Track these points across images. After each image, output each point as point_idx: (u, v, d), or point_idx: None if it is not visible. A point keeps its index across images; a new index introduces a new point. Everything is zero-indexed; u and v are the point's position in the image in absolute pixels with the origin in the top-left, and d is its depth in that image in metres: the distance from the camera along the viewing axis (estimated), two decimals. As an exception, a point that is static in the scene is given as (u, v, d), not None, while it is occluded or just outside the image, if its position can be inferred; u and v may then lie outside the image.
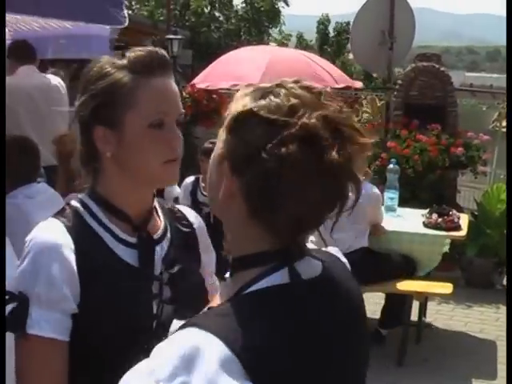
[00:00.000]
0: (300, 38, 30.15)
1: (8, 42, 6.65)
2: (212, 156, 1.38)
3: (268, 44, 14.27)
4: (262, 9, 27.56)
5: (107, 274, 1.72)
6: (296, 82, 1.36)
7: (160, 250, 1.83)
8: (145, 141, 1.73)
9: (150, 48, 1.81)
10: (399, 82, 9.61)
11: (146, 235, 1.81)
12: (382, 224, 6.46)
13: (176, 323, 1.42)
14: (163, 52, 1.82)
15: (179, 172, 1.82)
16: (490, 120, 12.02)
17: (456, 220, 6.72)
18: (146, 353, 1.27)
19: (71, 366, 1.69)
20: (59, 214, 1.78)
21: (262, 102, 1.31)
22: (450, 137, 8.80)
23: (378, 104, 9.54)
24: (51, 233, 1.70)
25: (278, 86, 1.35)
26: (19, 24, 7.27)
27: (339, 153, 1.24)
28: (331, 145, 1.24)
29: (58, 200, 3.75)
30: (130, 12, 25.56)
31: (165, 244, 1.84)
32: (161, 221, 1.88)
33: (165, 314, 1.75)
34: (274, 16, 28.14)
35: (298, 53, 11.53)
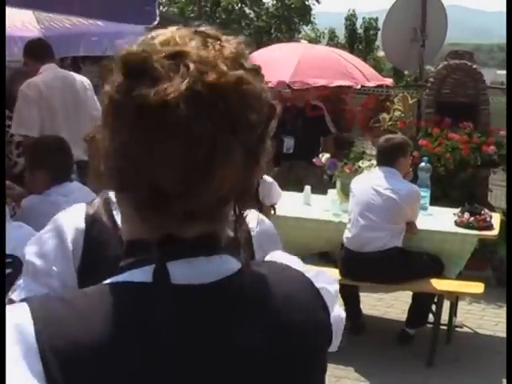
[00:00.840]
0: (332, 34, 30.06)
1: (37, 38, 6.67)
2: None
3: (299, 41, 14.23)
4: (293, 6, 27.52)
5: (114, 261, 1.65)
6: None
7: None
8: None
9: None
10: (431, 79, 9.54)
11: None
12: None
13: None
14: None
15: None
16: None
17: (488, 219, 6.66)
18: None
19: None
20: (91, 202, 1.91)
21: None
22: (482, 135, 8.72)
23: (410, 102, 9.45)
24: (68, 214, 1.85)
25: None
26: (52, 22, 7.34)
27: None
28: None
29: (91, 197, 3.77)
30: (160, 9, 25.69)
31: None
32: None
33: None
34: (305, 13, 28.08)
35: (329, 50, 11.52)
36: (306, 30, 29.35)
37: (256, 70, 1.12)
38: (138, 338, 1.04)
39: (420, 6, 9.99)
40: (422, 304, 6.40)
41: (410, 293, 6.61)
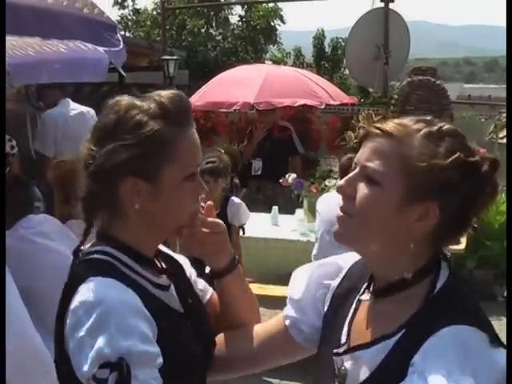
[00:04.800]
0: (298, 53, 30.21)
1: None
2: (380, 194, 1.59)
3: (264, 62, 14.30)
4: (258, 27, 27.65)
5: (162, 319, 1.66)
6: None
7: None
8: (180, 194, 1.74)
9: (175, 93, 1.77)
10: (395, 96, 9.63)
11: (169, 275, 1.88)
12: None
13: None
14: (182, 94, 1.79)
15: None
16: (487, 131, 12.05)
17: (455, 233, 6.72)
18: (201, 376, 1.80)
19: None
20: (99, 271, 1.66)
21: (450, 146, 1.59)
22: (447, 150, 8.81)
23: (375, 119, 9.52)
24: (119, 292, 1.61)
25: (441, 127, 1.64)
26: (15, 50, 7.32)
27: None
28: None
29: (57, 226, 3.75)
30: (127, 33, 25.72)
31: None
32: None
33: (205, 340, 1.86)
34: (270, 34, 28.21)
35: (293, 70, 11.59)
36: (272, 50, 29.47)
37: None
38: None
39: (382, 23, 10.10)
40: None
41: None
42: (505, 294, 8.42)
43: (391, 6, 10.31)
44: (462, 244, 6.67)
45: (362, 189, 1.63)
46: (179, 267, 2.00)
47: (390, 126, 1.60)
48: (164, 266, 1.88)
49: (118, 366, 1.48)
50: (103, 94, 11.36)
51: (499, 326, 7.47)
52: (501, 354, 1.47)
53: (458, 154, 1.54)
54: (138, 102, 1.74)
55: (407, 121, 1.61)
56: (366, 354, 1.59)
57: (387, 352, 1.55)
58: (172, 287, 1.86)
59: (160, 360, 1.55)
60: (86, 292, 1.59)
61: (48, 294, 3.22)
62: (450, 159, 1.53)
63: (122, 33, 22.37)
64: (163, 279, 1.83)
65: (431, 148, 1.56)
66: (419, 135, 1.58)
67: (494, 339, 1.50)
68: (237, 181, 9.75)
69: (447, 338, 1.46)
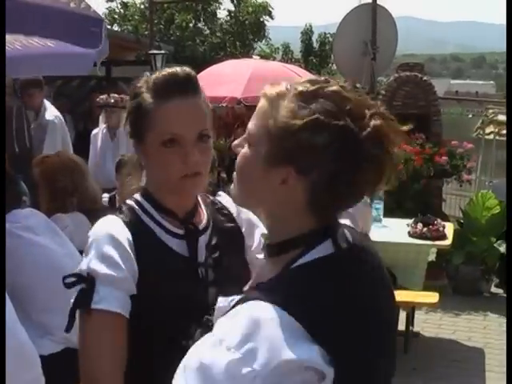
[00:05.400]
0: (286, 48, 30.22)
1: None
2: (250, 156, 1.54)
3: (251, 57, 14.28)
4: (247, 22, 27.65)
5: (161, 262, 1.94)
6: (326, 81, 1.49)
7: (204, 239, 2.04)
8: (160, 158, 1.95)
9: (176, 68, 2.00)
10: (382, 92, 9.64)
11: (192, 227, 2.03)
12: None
13: (221, 300, 1.60)
14: (187, 71, 1.99)
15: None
16: (474, 127, 12.09)
17: (441, 229, 6.76)
18: (197, 326, 1.67)
19: (129, 343, 1.85)
20: (118, 211, 2.01)
21: (318, 107, 1.43)
22: (434, 146, 8.83)
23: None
24: (112, 226, 1.92)
25: (320, 88, 1.47)
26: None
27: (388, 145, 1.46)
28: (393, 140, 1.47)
29: (43, 219, 3.74)
30: (114, 27, 25.65)
31: (208, 233, 2.06)
32: (204, 213, 2.09)
33: (210, 295, 1.92)
34: (259, 29, 28.22)
35: (281, 65, 11.58)
36: (260, 45, 29.48)
37: None
38: (363, 292, 1.49)
39: (370, 19, 10.12)
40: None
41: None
42: (491, 289, 8.46)
43: (379, 1, 10.35)
44: (449, 240, 6.70)
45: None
46: (227, 222, 2.14)
47: (271, 87, 1.52)
48: (192, 221, 2.04)
49: (85, 280, 1.83)
50: (91, 87, 11.35)
51: (484, 321, 7.52)
52: (298, 349, 1.32)
53: (316, 115, 1.42)
54: (152, 76, 2.00)
55: (297, 81, 1.51)
56: (223, 303, 1.60)
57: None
58: (201, 238, 2.03)
59: (129, 286, 1.84)
60: (95, 226, 1.97)
61: (30, 288, 3.22)
62: (305, 120, 1.42)
63: (109, 27, 22.27)
64: (178, 229, 2.01)
65: (295, 108, 1.45)
66: (291, 95, 1.48)
67: (310, 333, 1.35)
68: (224, 175, 9.74)
69: (244, 309, 1.39)
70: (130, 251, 1.88)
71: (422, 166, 8.62)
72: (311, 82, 1.49)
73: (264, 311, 1.35)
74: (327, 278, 1.45)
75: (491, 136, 11.98)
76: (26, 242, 3.33)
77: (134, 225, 1.96)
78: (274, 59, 23.25)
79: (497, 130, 11.86)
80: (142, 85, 1.99)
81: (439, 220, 6.95)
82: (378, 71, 10.32)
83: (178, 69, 1.99)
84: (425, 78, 9.46)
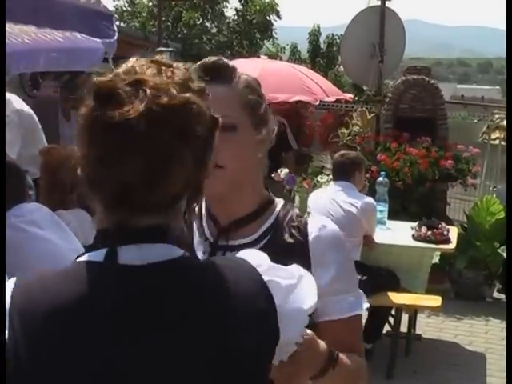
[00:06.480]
0: (294, 49, 30.19)
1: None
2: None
3: (259, 56, 14.29)
4: (254, 21, 27.64)
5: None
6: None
7: None
8: None
9: (214, 58, 1.93)
10: (389, 94, 9.64)
11: (225, 243, 1.90)
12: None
13: None
14: (214, 59, 1.92)
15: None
16: (480, 132, 12.07)
17: (445, 233, 6.75)
18: None
19: None
20: None
21: None
22: (440, 150, 8.83)
23: (368, 117, 9.54)
24: None
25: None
26: (11, 37, 7.28)
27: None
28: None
29: (48, 214, 3.74)
30: (121, 24, 25.65)
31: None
32: (260, 227, 1.91)
33: None
34: (266, 28, 28.22)
35: (288, 66, 11.60)
36: (267, 45, 29.46)
37: (201, 91, 1.39)
38: (85, 306, 1.29)
39: (378, 21, 10.10)
40: (379, 318, 6.44)
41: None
42: (493, 294, 8.45)
43: (387, 4, 10.31)
44: (453, 244, 6.70)
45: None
46: (293, 244, 1.89)
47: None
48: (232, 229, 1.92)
49: None
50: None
51: (486, 326, 7.52)
52: None
53: None
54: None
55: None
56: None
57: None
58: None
59: None
60: None
61: None
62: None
63: (117, 23, 22.28)
64: (211, 234, 1.92)
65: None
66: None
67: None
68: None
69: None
70: None
71: (427, 170, 8.61)
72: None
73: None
74: (51, 283, 1.40)
75: (497, 141, 11.96)
76: (31, 236, 3.32)
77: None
78: (281, 59, 23.24)
79: (502, 135, 11.85)
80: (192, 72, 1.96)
81: (443, 224, 6.94)
82: (385, 74, 10.29)
83: (209, 58, 1.94)
84: (432, 81, 9.45)
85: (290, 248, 1.86)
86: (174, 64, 1.40)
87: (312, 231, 1.89)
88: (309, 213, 2.01)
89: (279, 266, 1.45)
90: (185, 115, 1.30)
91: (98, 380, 1.26)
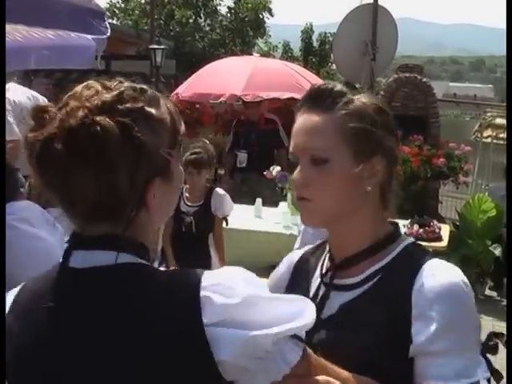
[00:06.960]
0: (286, 47, 30.19)
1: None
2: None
3: (252, 55, 14.29)
4: (247, 19, 27.63)
5: None
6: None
7: (342, 298, 1.73)
8: None
9: (327, 83, 1.78)
10: (381, 92, 9.65)
11: (329, 281, 1.78)
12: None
13: None
14: (324, 85, 1.77)
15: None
16: (472, 130, 12.11)
17: (437, 231, 6.77)
18: None
19: None
20: None
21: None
22: (432, 148, 8.85)
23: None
24: None
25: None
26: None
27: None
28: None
29: (40, 212, 3.73)
30: (114, 22, 25.62)
31: (355, 291, 1.72)
32: (370, 267, 1.73)
33: None
34: (259, 26, 28.21)
35: (281, 63, 11.57)
36: (259, 43, 29.46)
37: (132, 112, 1.36)
38: (35, 301, 1.44)
39: (371, 19, 10.11)
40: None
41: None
42: (485, 292, 8.47)
43: (380, 2, 10.32)
44: (445, 241, 6.71)
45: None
46: (393, 291, 1.69)
47: None
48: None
49: None
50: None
51: (479, 324, 7.51)
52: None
53: None
54: None
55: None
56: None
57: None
58: (333, 293, 1.77)
59: None
60: None
61: (24, 280, 3.21)
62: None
63: (110, 20, 22.24)
64: (326, 270, 1.82)
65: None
66: None
67: None
68: (221, 172, 9.75)
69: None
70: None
71: (419, 168, 8.63)
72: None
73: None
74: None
75: (489, 139, 11.99)
76: (22, 234, 3.32)
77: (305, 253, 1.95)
78: (274, 57, 23.25)
79: (494, 133, 11.88)
80: None
81: (435, 222, 6.96)
82: (377, 71, 10.30)
83: (324, 83, 1.79)
84: (424, 79, 9.47)
85: (394, 295, 1.66)
86: (115, 85, 1.42)
87: (420, 278, 1.65)
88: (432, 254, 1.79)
89: (231, 284, 1.35)
90: (88, 137, 1.32)
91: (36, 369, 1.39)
